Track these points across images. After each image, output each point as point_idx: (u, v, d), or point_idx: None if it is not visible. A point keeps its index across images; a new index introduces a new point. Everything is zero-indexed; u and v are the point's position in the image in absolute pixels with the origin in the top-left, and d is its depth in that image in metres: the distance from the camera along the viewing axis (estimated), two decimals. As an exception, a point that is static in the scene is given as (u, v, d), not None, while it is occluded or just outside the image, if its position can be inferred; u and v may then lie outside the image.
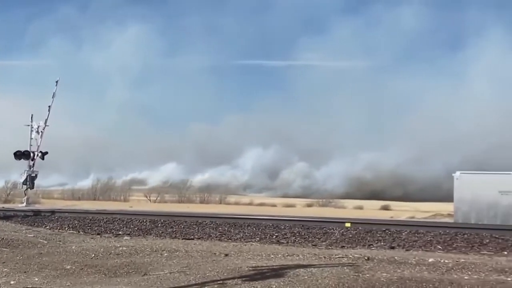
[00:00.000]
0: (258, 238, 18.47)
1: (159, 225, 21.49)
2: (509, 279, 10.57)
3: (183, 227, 20.84)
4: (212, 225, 21.02)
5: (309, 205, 66.25)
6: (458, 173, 26.68)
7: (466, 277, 10.73)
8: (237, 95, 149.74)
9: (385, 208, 63.92)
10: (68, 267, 12.03)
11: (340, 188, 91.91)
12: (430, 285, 9.80)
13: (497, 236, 17.19)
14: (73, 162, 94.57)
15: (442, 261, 12.74)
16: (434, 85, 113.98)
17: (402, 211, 56.82)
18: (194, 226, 21.03)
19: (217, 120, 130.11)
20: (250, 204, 65.51)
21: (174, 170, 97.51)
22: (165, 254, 13.81)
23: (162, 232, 19.97)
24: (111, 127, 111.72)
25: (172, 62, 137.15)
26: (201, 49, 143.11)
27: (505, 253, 15.37)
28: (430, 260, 12.90)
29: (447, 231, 18.19)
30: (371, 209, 61.40)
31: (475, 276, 10.86)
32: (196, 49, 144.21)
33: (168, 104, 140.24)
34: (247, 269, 11.41)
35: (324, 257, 13.33)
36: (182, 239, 18.27)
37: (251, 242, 17.50)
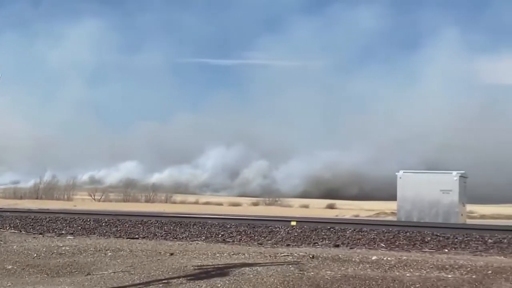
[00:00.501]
0: (204, 237, 18.43)
1: (103, 224, 21.21)
2: (449, 276, 10.82)
3: (128, 226, 20.62)
4: (157, 224, 20.86)
5: (255, 204, 66.58)
6: (401, 172, 27.25)
7: (408, 274, 10.93)
8: (196, 94, 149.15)
9: (331, 206, 64.82)
10: (9, 267, 11.75)
11: (300, 187, 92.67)
12: (373, 283, 9.95)
13: (438, 234, 17.56)
14: (28, 160, 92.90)
15: (385, 258, 12.95)
16: (391, 85, 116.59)
17: (347, 209, 57.73)
18: (139, 225, 20.82)
19: (175, 118, 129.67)
20: (196, 203, 65.40)
21: (134, 169, 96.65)
22: (109, 254, 13.63)
23: (106, 232, 19.71)
24: (66, 124, 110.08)
25: (128, 59, 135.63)
26: (158, 47, 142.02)
27: (446, 250, 15.72)
28: (374, 257, 13.09)
29: (390, 229, 18.51)
30: (317, 208, 62.13)
31: (417, 273, 11.08)
32: (153, 47, 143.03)
33: (125, 101, 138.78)
34: (192, 268, 11.36)
35: (270, 256, 13.37)
36: (127, 238, 18.07)
37: (196, 241, 17.44)
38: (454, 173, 26.34)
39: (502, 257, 14.43)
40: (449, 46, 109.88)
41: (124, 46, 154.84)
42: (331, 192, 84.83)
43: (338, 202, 69.98)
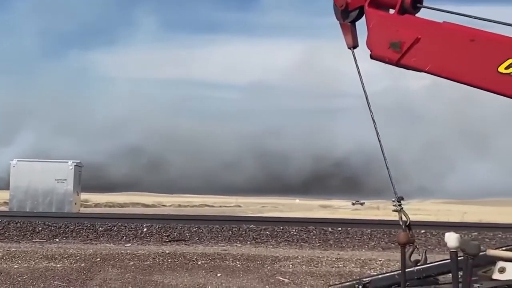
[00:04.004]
0: None
1: None
2: (58, 265, 10.91)
3: None
4: None
5: None
6: (15, 160, 26.42)
7: (16, 266, 10.72)
8: None
9: None
10: None
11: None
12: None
13: (50, 223, 17.45)
14: None
15: (-8, 251, 12.43)
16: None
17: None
18: None
19: None
20: None
21: None
22: None
23: None
24: None
25: None
26: None
27: (57, 240, 15.73)
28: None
29: (0, 220, 17.79)
30: None
31: (25, 265, 10.92)
32: None
33: None
34: None
35: None
36: None
37: None
38: (70, 162, 26.46)
39: (112, 244, 15.04)
40: (144, 35, 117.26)
41: None
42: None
43: None
